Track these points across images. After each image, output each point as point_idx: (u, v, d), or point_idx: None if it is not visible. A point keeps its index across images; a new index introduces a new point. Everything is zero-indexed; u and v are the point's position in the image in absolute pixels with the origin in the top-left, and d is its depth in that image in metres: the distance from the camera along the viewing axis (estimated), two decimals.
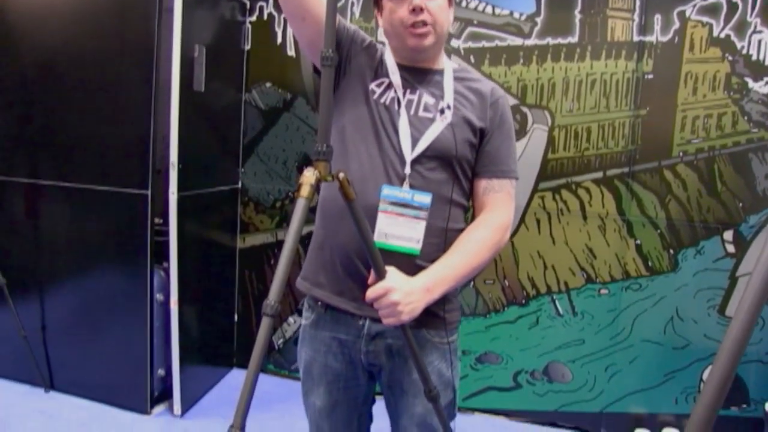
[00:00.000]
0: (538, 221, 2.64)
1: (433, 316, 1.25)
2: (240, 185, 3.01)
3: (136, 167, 2.41)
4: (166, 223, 2.42)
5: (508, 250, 2.67)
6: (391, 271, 1.14)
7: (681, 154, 2.47)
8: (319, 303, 1.29)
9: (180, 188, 2.36)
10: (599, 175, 2.55)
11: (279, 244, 3.02)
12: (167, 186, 2.37)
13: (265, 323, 0.91)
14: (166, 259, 2.41)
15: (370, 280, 1.15)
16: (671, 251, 2.52)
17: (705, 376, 2.55)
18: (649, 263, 2.55)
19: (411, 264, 1.20)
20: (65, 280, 2.61)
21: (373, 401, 1.45)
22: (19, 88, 2.57)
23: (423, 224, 1.20)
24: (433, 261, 1.21)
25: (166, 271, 2.43)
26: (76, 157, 2.51)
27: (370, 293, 1.12)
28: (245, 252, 3.07)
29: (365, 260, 1.18)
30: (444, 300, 1.24)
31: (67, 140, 2.51)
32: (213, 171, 2.75)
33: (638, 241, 2.55)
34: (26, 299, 2.65)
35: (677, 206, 2.49)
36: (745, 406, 2.49)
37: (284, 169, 2.95)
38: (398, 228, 1.20)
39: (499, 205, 1.27)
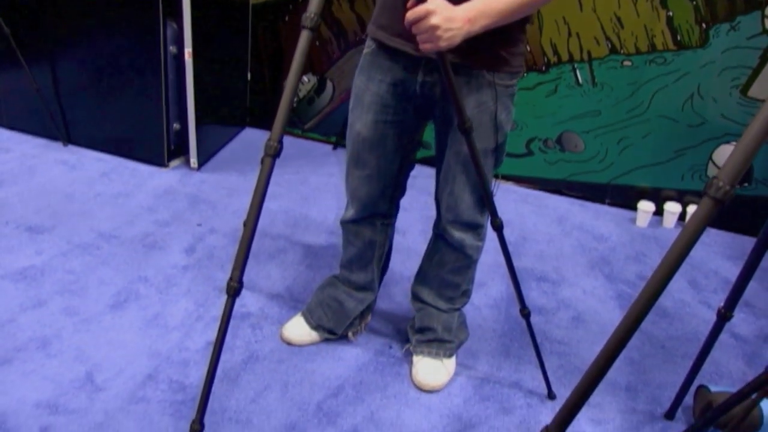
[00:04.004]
0: None
1: (494, 55, 1.47)
2: None
3: None
4: None
5: (531, 14, 2.97)
6: None
7: None
8: (380, 42, 1.59)
9: None
10: None
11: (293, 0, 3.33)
12: None
13: (305, 36, 1.21)
14: (179, 13, 2.77)
15: (410, 3, 1.25)
16: (704, 25, 2.81)
17: (714, 155, 3.02)
18: (678, 37, 2.86)
19: None
20: (75, 35, 3.00)
21: (412, 167, 1.82)
22: None
23: None
24: None
25: (179, 23, 2.81)
26: None
27: (410, 15, 1.25)
28: (258, 8, 3.41)
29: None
30: (509, 41, 1.46)
31: None
32: None
33: (670, 13, 2.83)
34: (36, 56, 3.08)
35: None
36: (746, 184, 3.00)
37: None
38: None
39: None
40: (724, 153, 2.97)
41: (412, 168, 1.84)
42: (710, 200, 0.93)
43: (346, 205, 1.86)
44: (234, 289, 1.25)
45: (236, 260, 1.25)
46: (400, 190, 1.86)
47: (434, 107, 1.64)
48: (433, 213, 1.84)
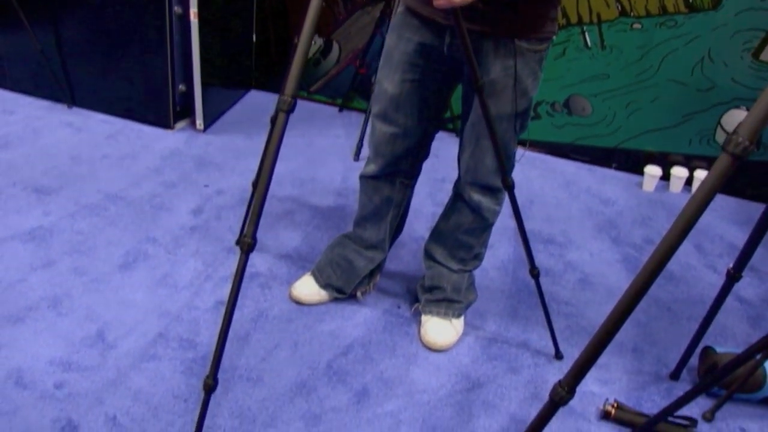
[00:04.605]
0: None
1: (524, 23, 1.48)
2: None
3: None
4: None
5: None
6: None
7: None
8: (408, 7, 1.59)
9: None
10: None
11: None
12: None
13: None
14: None
15: None
16: None
17: (723, 120, 3.01)
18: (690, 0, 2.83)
19: None
20: None
21: (438, 129, 1.81)
22: None
23: None
24: None
25: None
26: None
27: None
28: None
29: None
30: (541, 5, 1.46)
31: None
32: None
33: None
34: (39, 16, 3.04)
35: None
36: (755, 149, 2.98)
37: None
38: None
39: None
40: (733, 118, 2.96)
41: (437, 130, 1.84)
42: (729, 156, 0.93)
43: (368, 159, 1.87)
44: (248, 245, 1.26)
45: (251, 216, 1.25)
46: (424, 151, 1.86)
47: (462, 68, 1.64)
48: (441, 175, 1.84)
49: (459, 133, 1.77)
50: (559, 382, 1.06)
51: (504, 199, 1.80)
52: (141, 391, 1.67)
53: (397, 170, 1.85)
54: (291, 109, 1.26)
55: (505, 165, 1.61)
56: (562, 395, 1.05)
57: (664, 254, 0.96)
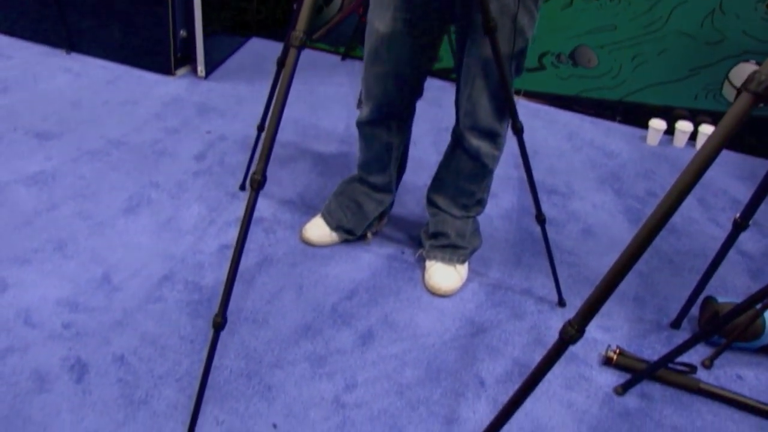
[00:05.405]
0: None
1: None
2: None
3: None
4: None
5: None
6: None
7: None
8: None
9: None
10: None
11: None
12: None
13: None
14: None
15: None
16: None
17: (731, 74, 2.98)
18: None
19: None
20: None
21: (430, 69, 1.79)
22: None
23: None
24: None
25: None
26: None
27: None
28: None
29: None
30: None
31: None
32: None
33: None
34: None
35: None
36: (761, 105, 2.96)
37: None
38: None
39: None
40: (741, 71, 2.93)
41: (429, 70, 1.82)
42: (750, 95, 0.92)
43: (362, 104, 1.85)
44: (258, 182, 1.25)
45: (260, 152, 1.25)
46: (417, 91, 1.84)
47: (455, 9, 1.61)
48: (445, 125, 1.82)
49: (455, 78, 1.75)
50: (569, 321, 1.08)
51: (503, 144, 1.79)
52: (148, 332, 1.69)
53: (391, 112, 1.83)
54: (303, 45, 1.24)
55: (504, 109, 1.61)
56: (571, 334, 1.06)
57: (684, 189, 0.95)
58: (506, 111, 1.67)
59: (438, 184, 1.95)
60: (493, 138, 1.76)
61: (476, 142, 1.75)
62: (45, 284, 1.79)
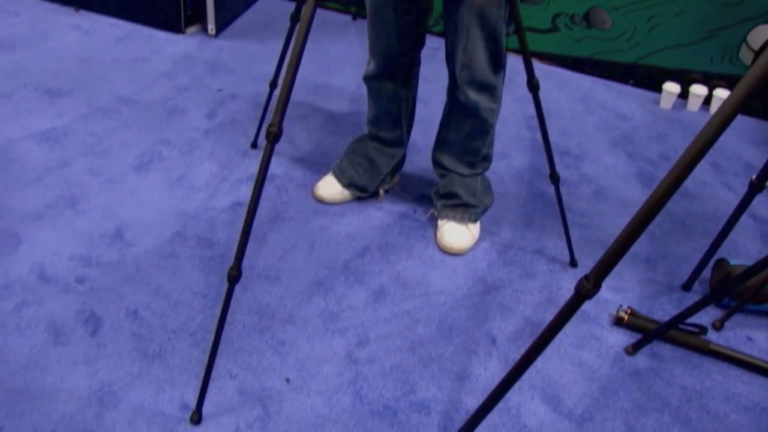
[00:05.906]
0: None
1: None
2: None
3: None
4: None
5: None
6: None
7: None
8: None
9: None
10: None
11: None
12: None
13: None
14: None
15: None
16: None
17: (749, 37, 2.93)
18: None
19: None
20: None
21: (429, 15, 1.76)
22: None
23: None
24: None
25: None
26: None
27: None
28: None
29: None
30: None
31: None
32: None
33: None
34: None
35: None
36: None
37: None
38: None
39: None
40: (760, 34, 2.88)
41: (427, 21, 1.79)
42: None
43: (368, 60, 1.84)
44: (273, 135, 1.24)
45: (277, 105, 1.24)
46: (419, 40, 1.82)
47: None
48: None
49: (444, 32, 1.72)
50: (585, 276, 1.07)
51: (500, 97, 1.78)
52: (161, 287, 1.70)
53: (396, 65, 1.82)
54: None
55: (498, 59, 1.61)
56: (588, 288, 1.06)
57: (696, 151, 0.94)
58: (501, 63, 1.67)
59: (441, 144, 1.94)
60: (491, 91, 1.73)
61: (474, 97, 1.72)
62: (58, 240, 1.80)
